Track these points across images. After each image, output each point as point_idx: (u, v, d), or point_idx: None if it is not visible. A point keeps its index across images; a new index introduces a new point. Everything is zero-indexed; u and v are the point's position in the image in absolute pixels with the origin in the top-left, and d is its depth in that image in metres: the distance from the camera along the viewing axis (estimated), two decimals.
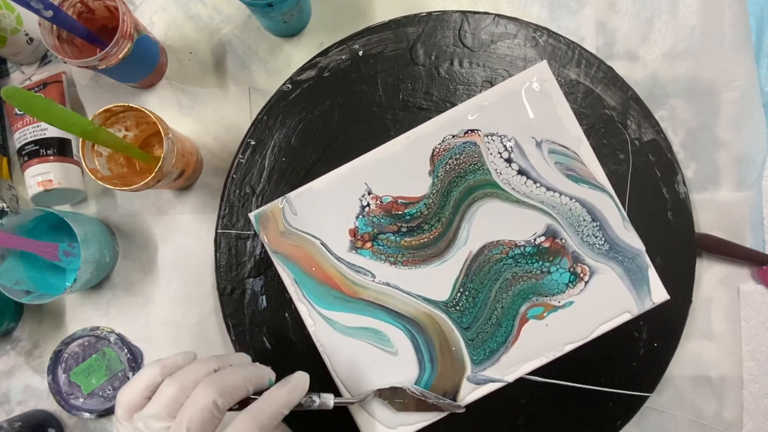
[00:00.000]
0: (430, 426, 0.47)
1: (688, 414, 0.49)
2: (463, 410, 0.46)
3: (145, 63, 0.49)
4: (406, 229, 0.47)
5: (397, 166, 0.48)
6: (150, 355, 0.51)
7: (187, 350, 0.37)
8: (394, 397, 0.46)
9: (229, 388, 0.33)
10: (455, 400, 0.46)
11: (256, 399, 0.35)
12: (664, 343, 0.48)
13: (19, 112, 0.50)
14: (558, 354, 0.47)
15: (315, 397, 0.39)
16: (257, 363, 0.38)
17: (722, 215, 0.50)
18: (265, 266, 0.49)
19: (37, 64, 0.54)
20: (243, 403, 0.34)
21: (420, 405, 0.46)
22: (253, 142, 0.49)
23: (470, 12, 0.49)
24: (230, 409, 0.34)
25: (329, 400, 0.40)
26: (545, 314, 0.47)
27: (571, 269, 0.47)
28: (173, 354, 0.36)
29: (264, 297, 0.49)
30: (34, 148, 0.49)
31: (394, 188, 0.48)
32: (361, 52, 0.49)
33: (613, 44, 0.51)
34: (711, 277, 0.50)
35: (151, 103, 0.53)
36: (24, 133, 0.50)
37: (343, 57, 0.49)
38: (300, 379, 0.37)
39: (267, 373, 0.37)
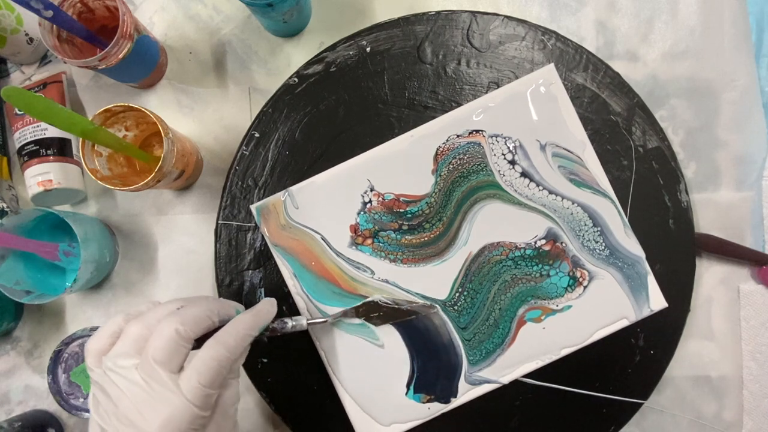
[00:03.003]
0: (424, 425, 0.47)
1: (688, 414, 0.49)
2: (435, 310, 0.47)
3: (145, 63, 0.49)
4: (407, 227, 0.47)
5: (401, 164, 0.48)
6: None
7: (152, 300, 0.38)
8: (370, 313, 0.46)
9: (190, 317, 0.34)
10: (450, 401, 0.46)
11: None
12: (660, 351, 0.48)
13: (19, 112, 0.50)
14: (554, 357, 0.47)
15: (287, 320, 0.40)
16: (223, 299, 0.38)
17: (722, 215, 0.50)
18: (264, 259, 0.49)
19: (37, 64, 0.54)
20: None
21: (396, 314, 0.46)
22: (257, 135, 0.50)
23: (479, 12, 0.49)
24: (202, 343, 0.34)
25: (302, 320, 0.41)
26: (543, 317, 0.47)
27: (571, 273, 0.47)
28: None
29: (262, 290, 0.49)
30: (34, 148, 0.49)
31: (397, 186, 0.48)
32: (368, 49, 0.49)
33: (613, 44, 0.51)
34: (711, 277, 0.50)
35: (151, 103, 0.53)
36: (24, 133, 0.50)
37: (351, 53, 0.50)
38: (266, 304, 0.38)
39: (233, 305, 0.37)
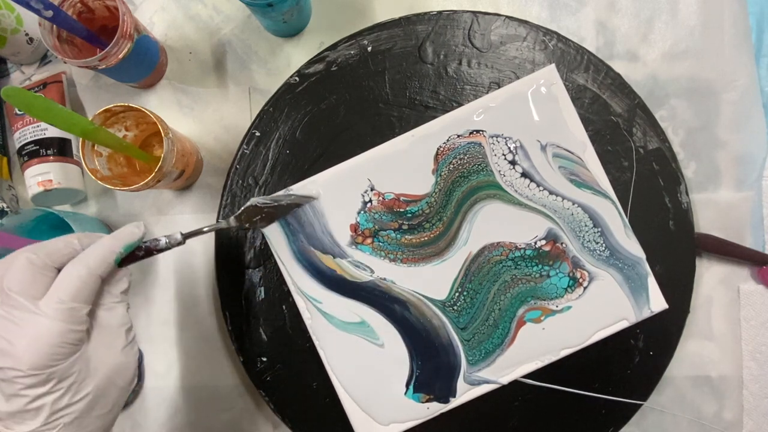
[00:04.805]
0: (422, 425, 0.47)
1: (688, 414, 0.49)
2: (316, 198, 0.47)
3: (145, 63, 0.49)
4: (407, 227, 0.47)
5: (401, 164, 0.48)
6: (150, 355, 0.51)
7: None
8: (252, 218, 0.45)
9: (43, 246, 0.34)
10: (449, 401, 0.46)
11: None
12: (659, 352, 0.48)
13: (19, 112, 0.50)
14: (554, 358, 0.47)
15: (161, 237, 0.39)
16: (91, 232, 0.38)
17: (722, 215, 0.50)
18: (264, 258, 0.49)
19: (37, 64, 0.54)
20: None
21: (278, 211, 0.46)
22: (258, 133, 0.50)
23: (481, 13, 0.49)
24: None
25: (176, 234, 0.40)
26: (543, 318, 0.47)
27: (571, 274, 0.47)
28: None
29: (262, 288, 0.49)
30: (34, 148, 0.49)
31: (397, 185, 0.48)
32: (369, 48, 0.49)
33: (613, 44, 0.51)
34: (711, 277, 0.50)
35: (151, 103, 0.53)
36: (24, 133, 0.50)
37: (352, 52, 0.50)
38: (128, 226, 0.38)
39: (100, 234, 0.37)
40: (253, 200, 0.45)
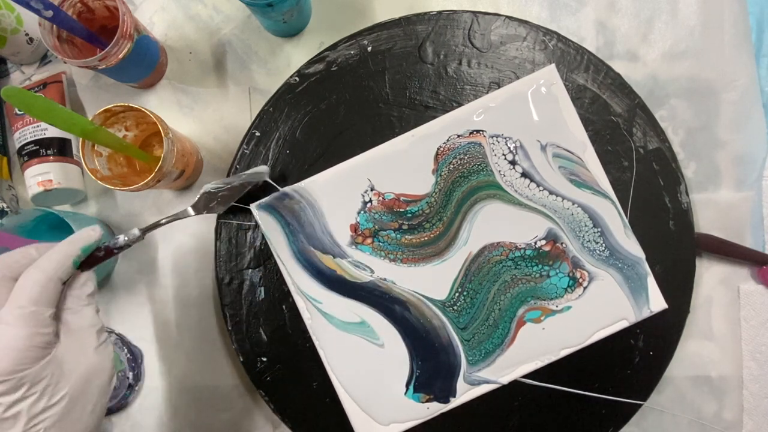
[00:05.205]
0: (422, 425, 0.47)
1: (688, 414, 0.49)
2: (268, 171, 0.47)
3: (145, 63, 0.49)
4: (407, 227, 0.47)
5: (401, 164, 0.48)
6: (150, 355, 0.51)
7: None
8: (209, 203, 0.46)
9: (1, 258, 0.34)
10: (449, 401, 0.46)
11: None
12: (659, 352, 0.48)
13: (19, 112, 0.50)
14: (554, 358, 0.47)
15: (119, 236, 0.39)
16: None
17: (722, 215, 0.50)
18: (264, 258, 0.49)
19: (37, 64, 0.54)
20: None
21: (232, 192, 0.46)
22: (258, 133, 0.50)
23: (481, 13, 0.49)
24: None
25: (134, 230, 0.40)
26: (543, 318, 0.47)
27: (571, 274, 0.47)
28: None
29: (262, 288, 0.49)
30: (34, 148, 0.49)
31: (397, 185, 0.48)
32: (369, 48, 0.49)
33: (613, 44, 0.51)
34: (711, 277, 0.50)
35: (151, 103, 0.53)
36: (24, 133, 0.50)
37: (352, 52, 0.50)
38: (84, 229, 0.37)
39: (53, 243, 0.37)
40: (206, 187, 0.46)
